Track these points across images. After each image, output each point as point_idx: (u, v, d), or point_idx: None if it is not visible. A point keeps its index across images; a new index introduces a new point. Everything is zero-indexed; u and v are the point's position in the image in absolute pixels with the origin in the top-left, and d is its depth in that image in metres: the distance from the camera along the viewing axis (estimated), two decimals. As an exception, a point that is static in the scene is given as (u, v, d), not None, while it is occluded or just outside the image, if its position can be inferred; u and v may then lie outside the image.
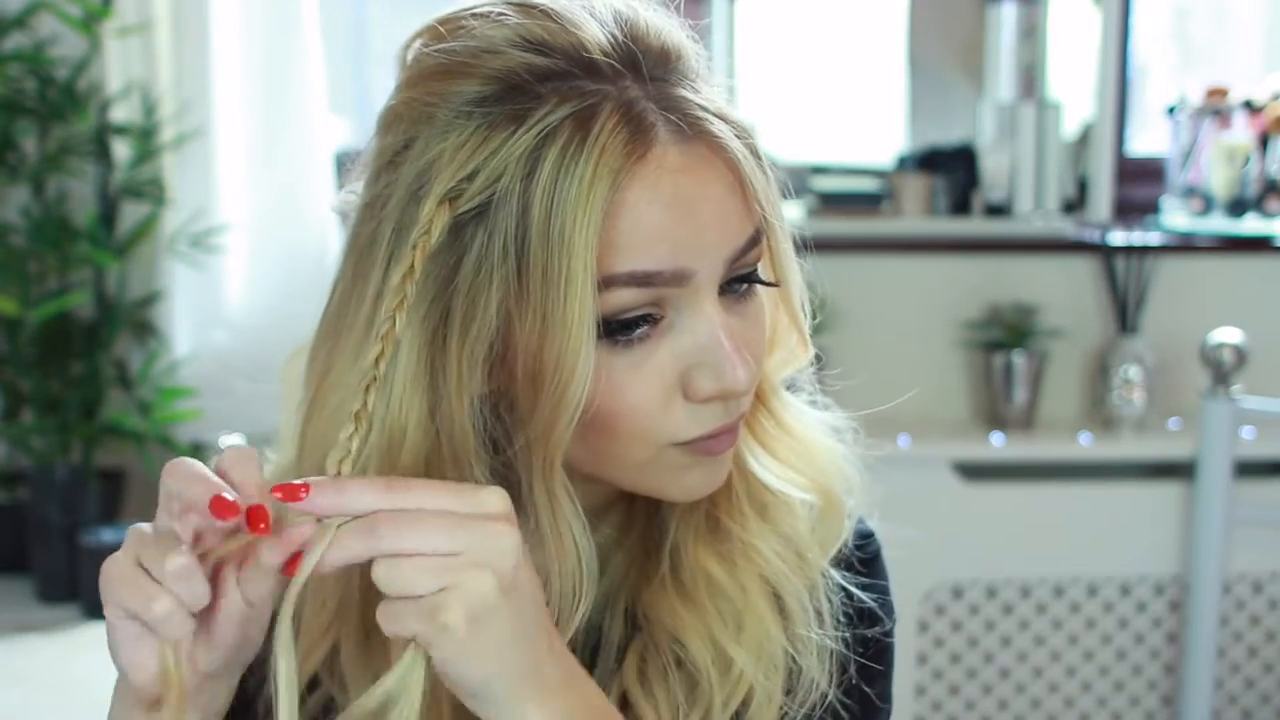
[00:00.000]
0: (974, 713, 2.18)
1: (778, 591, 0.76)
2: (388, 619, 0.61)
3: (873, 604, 0.79)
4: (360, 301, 0.68)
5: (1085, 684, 2.18)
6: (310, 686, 0.75)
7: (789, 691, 0.75)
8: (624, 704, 0.74)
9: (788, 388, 0.81)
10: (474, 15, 0.68)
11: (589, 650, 0.76)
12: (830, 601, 0.77)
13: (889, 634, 0.81)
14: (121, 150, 1.89)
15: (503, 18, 0.67)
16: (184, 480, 0.62)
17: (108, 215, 1.90)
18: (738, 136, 0.68)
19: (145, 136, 1.87)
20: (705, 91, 0.69)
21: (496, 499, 0.62)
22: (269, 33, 1.93)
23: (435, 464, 0.67)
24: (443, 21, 0.69)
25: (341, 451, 0.64)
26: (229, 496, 0.61)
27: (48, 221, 1.84)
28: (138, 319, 1.95)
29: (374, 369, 0.64)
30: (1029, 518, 2.13)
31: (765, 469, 0.78)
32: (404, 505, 0.61)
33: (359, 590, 0.69)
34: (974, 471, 2.13)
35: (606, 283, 0.64)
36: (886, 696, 0.81)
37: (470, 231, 0.65)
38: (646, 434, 0.68)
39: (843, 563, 0.80)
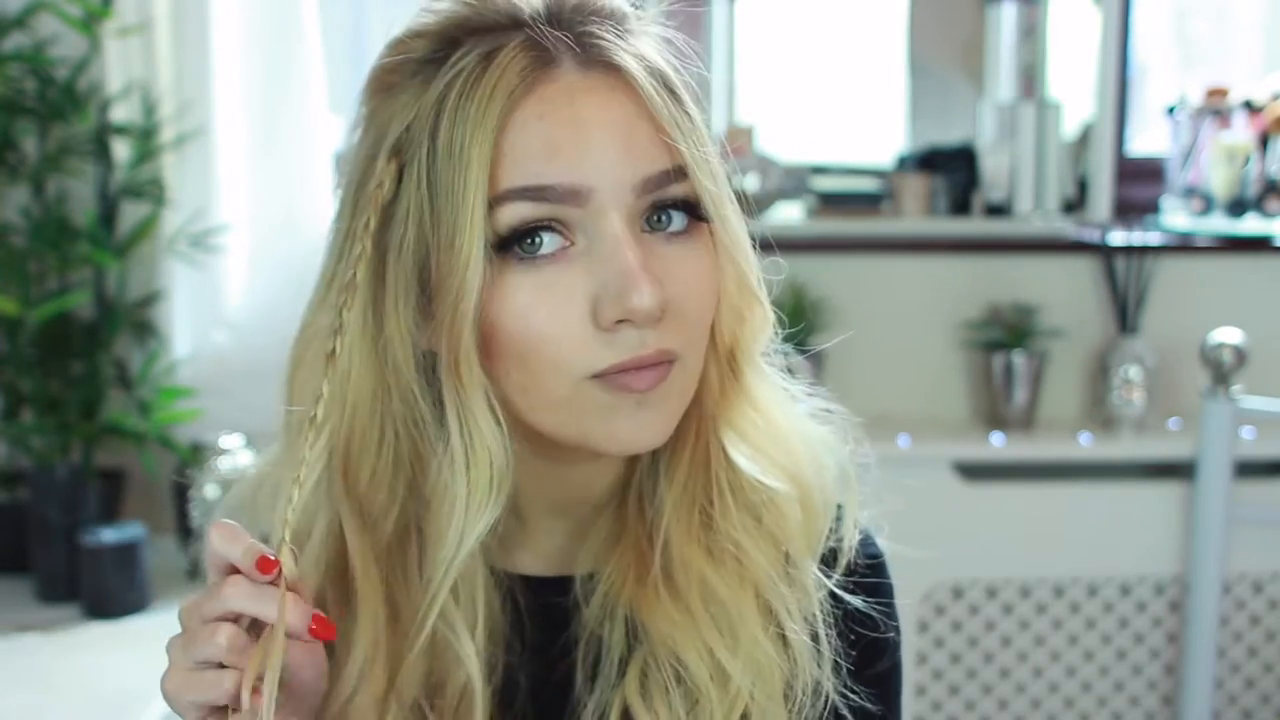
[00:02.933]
0: (974, 713, 2.18)
1: (768, 599, 0.76)
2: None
3: (872, 610, 0.79)
4: (334, 259, 0.72)
5: (1085, 684, 2.18)
6: None
7: (790, 700, 0.75)
8: (626, 717, 0.75)
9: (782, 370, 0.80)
10: None
11: (590, 661, 0.76)
12: (823, 607, 0.77)
13: (893, 642, 0.81)
14: (121, 150, 1.89)
15: None
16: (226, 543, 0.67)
17: (108, 215, 1.90)
18: (649, 72, 0.69)
19: (145, 136, 1.87)
20: (629, 38, 0.70)
21: None
22: (269, 33, 1.93)
23: (382, 396, 0.70)
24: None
25: (317, 393, 0.68)
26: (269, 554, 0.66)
27: (48, 221, 1.84)
28: (138, 319, 1.95)
29: (339, 317, 0.68)
30: (1029, 518, 2.13)
31: (739, 453, 0.77)
32: None
33: (326, 529, 0.72)
34: (974, 471, 2.13)
35: (501, 198, 0.66)
36: (895, 702, 0.81)
37: (405, 174, 0.68)
38: (559, 362, 0.67)
39: (844, 569, 0.79)
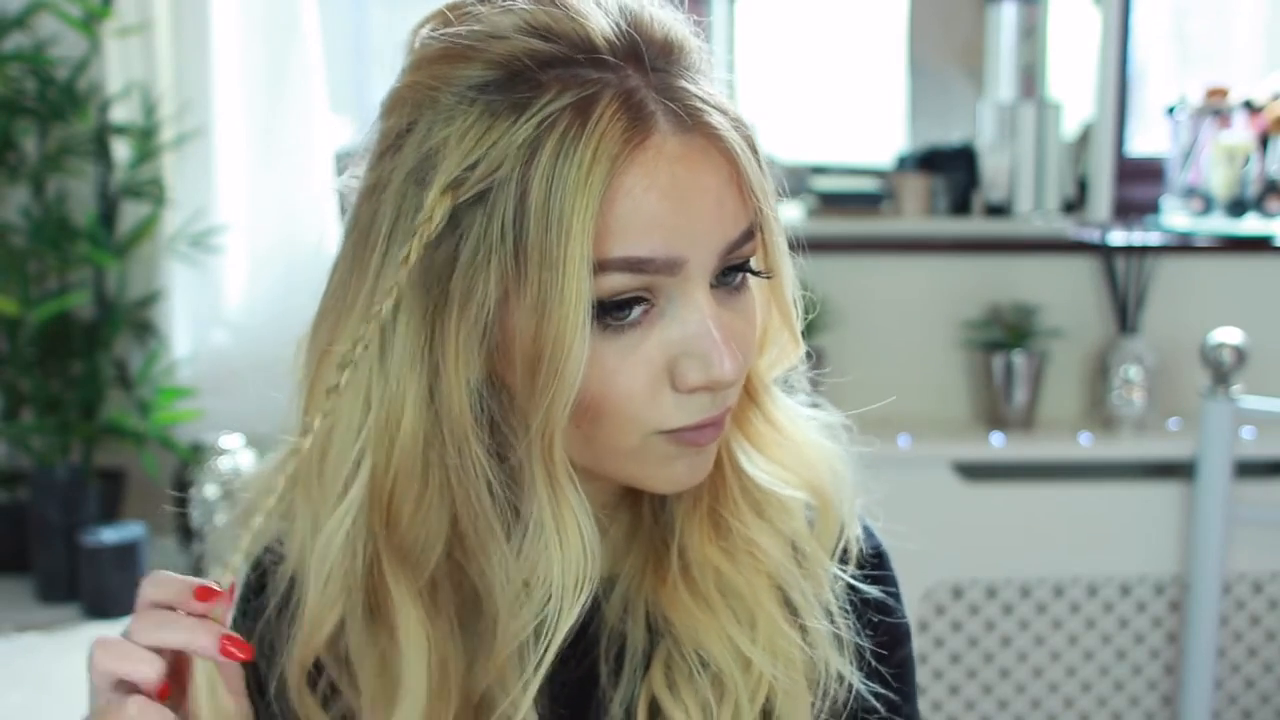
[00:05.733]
0: (974, 713, 2.18)
1: (783, 588, 0.77)
2: None
3: (882, 595, 0.80)
4: (360, 281, 0.69)
5: (1085, 684, 2.18)
6: (317, 667, 0.76)
7: (814, 685, 0.76)
8: (654, 709, 0.75)
9: (783, 386, 0.82)
10: (482, 1, 0.69)
11: (613, 655, 0.77)
12: (837, 596, 0.78)
13: (906, 629, 0.82)
14: (121, 150, 1.89)
15: (510, 4, 0.67)
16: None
17: (108, 215, 1.90)
18: (736, 129, 0.69)
19: (145, 136, 1.86)
20: (705, 85, 0.69)
21: None
22: (269, 33, 1.93)
23: (434, 442, 0.69)
24: (452, 7, 0.70)
25: (307, 425, 0.68)
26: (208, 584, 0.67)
27: (48, 221, 1.84)
28: (138, 319, 1.95)
29: (352, 351, 0.67)
30: (1029, 518, 2.13)
31: (757, 468, 0.78)
32: None
33: (363, 565, 0.71)
34: (974, 471, 2.13)
35: (600, 267, 0.65)
36: (913, 689, 0.83)
37: (470, 216, 0.65)
38: (633, 421, 0.68)
39: (851, 561, 0.81)
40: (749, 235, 0.69)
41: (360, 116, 2.23)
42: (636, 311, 0.67)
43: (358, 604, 0.72)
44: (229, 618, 0.68)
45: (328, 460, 0.71)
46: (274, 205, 1.95)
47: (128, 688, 0.65)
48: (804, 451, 0.80)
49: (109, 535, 1.76)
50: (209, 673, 0.67)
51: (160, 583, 0.67)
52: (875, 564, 0.82)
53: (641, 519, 0.79)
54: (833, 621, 0.77)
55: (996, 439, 2.15)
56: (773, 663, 0.75)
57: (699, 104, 0.67)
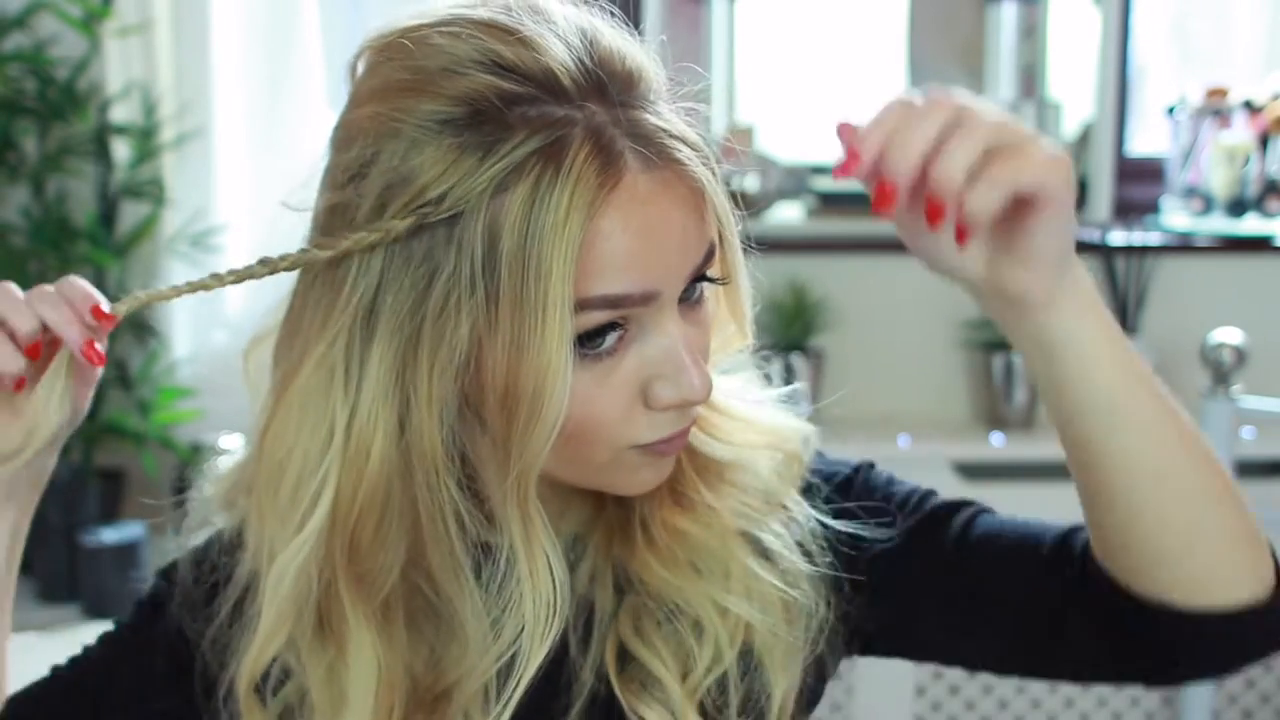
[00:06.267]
0: (974, 713, 2.18)
1: (753, 536, 0.79)
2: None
3: (852, 528, 0.82)
4: (329, 310, 0.70)
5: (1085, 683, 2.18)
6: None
7: (793, 623, 0.78)
8: (624, 657, 0.77)
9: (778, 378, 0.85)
10: (438, 31, 0.68)
11: (582, 622, 0.78)
12: (814, 534, 0.81)
13: (879, 539, 0.82)
14: (121, 150, 1.89)
15: (469, 36, 0.67)
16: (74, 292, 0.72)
17: (108, 215, 1.90)
18: (700, 160, 0.70)
19: (145, 136, 1.86)
20: (666, 112, 0.70)
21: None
22: (269, 33, 1.93)
23: (402, 474, 0.69)
24: (404, 33, 0.69)
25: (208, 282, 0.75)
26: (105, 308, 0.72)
27: (48, 221, 1.84)
28: (137, 319, 1.95)
29: (250, 268, 0.73)
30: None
31: (708, 443, 0.80)
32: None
33: (318, 587, 0.72)
34: (974, 471, 2.13)
35: (579, 306, 0.66)
36: (903, 487, 0.85)
37: (437, 247, 0.66)
38: (610, 439, 0.70)
39: (810, 490, 0.83)
40: (711, 254, 0.71)
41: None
42: (611, 339, 0.68)
43: (309, 622, 0.73)
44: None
45: (284, 483, 0.71)
46: (274, 205, 1.95)
47: (5, 331, 0.71)
48: (754, 423, 0.82)
49: (109, 535, 1.76)
50: (66, 361, 0.75)
51: (73, 284, 0.72)
52: (831, 483, 0.84)
53: (604, 498, 0.80)
54: (811, 559, 0.79)
55: (996, 439, 2.14)
56: (749, 606, 0.77)
57: (665, 140, 0.68)
